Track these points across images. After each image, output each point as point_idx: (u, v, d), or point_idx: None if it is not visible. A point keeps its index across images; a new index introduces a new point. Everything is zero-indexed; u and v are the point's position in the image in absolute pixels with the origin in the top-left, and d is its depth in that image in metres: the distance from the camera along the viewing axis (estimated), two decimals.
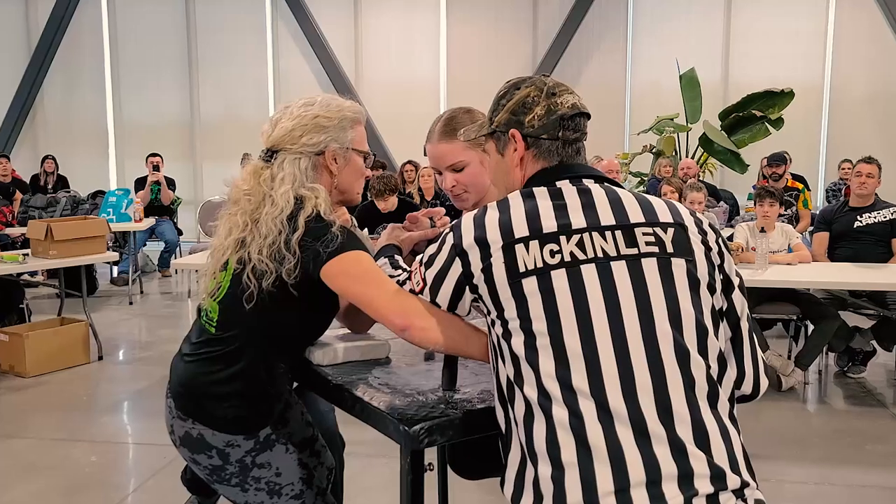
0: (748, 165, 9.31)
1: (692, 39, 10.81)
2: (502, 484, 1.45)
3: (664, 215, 1.50)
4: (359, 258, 1.75)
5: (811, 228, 6.48)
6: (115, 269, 8.62)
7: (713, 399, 1.39)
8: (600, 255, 1.44)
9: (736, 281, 1.54)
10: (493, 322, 1.49)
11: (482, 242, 1.48)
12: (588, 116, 1.60)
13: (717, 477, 1.32)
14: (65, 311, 6.07)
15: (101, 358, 5.70)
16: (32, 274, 7.00)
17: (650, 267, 1.44)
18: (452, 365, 1.79)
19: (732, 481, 1.33)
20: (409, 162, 9.25)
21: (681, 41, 10.78)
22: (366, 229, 6.10)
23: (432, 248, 1.60)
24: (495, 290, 1.46)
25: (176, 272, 9.25)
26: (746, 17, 10.83)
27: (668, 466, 1.30)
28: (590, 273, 1.42)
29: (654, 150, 9.93)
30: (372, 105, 10.98)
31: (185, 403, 1.89)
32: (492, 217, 1.50)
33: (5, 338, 5.34)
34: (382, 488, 2.43)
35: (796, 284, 4.89)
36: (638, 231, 1.47)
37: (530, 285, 1.42)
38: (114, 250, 7.26)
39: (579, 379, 1.35)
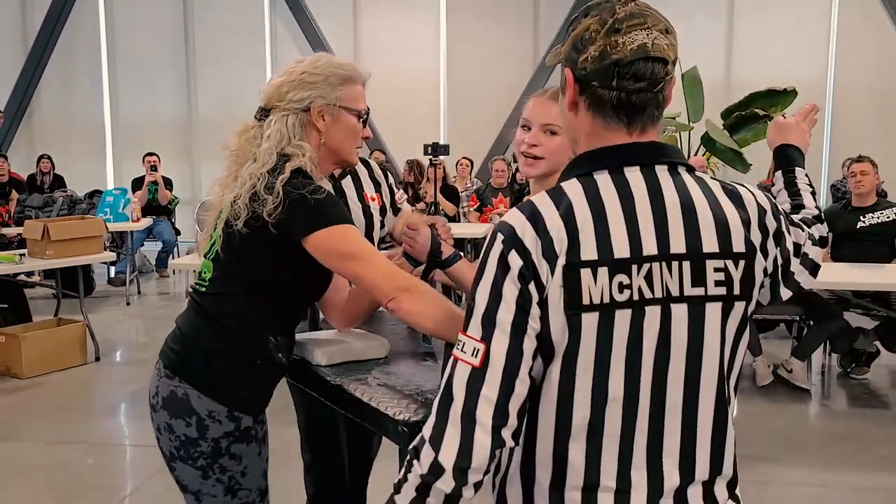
0: (751, 164, 9.25)
1: (694, 37, 10.71)
2: None
3: (738, 239, 1.24)
4: (345, 233, 1.72)
5: None
6: (113, 269, 8.60)
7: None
8: (664, 294, 1.20)
9: (791, 249, 1.37)
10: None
11: (548, 251, 1.19)
12: (665, 62, 1.26)
13: None
14: (61, 312, 6.05)
15: (98, 359, 5.68)
16: (29, 274, 6.99)
17: (713, 315, 1.23)
18: None
19: None
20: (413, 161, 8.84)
21: (683, 39, 10.49)
22: None
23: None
24: (546, 312, 1.19)
25: (174, 272, 9.22)
26: (749, 15, 10.76)
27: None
28: (652, 317, 1.20)
29: None
30: (371, 102, 10.86)
31: (173, 361, 1.83)
32: (553, 218, 1.20)
33: (1, 339, 5.32)
34: (382, 494, 2.33)
35: None
36: (709, 265, 1.22)
37: (589, 320, 1.18)
38: (111, 250, 7.24)
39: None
